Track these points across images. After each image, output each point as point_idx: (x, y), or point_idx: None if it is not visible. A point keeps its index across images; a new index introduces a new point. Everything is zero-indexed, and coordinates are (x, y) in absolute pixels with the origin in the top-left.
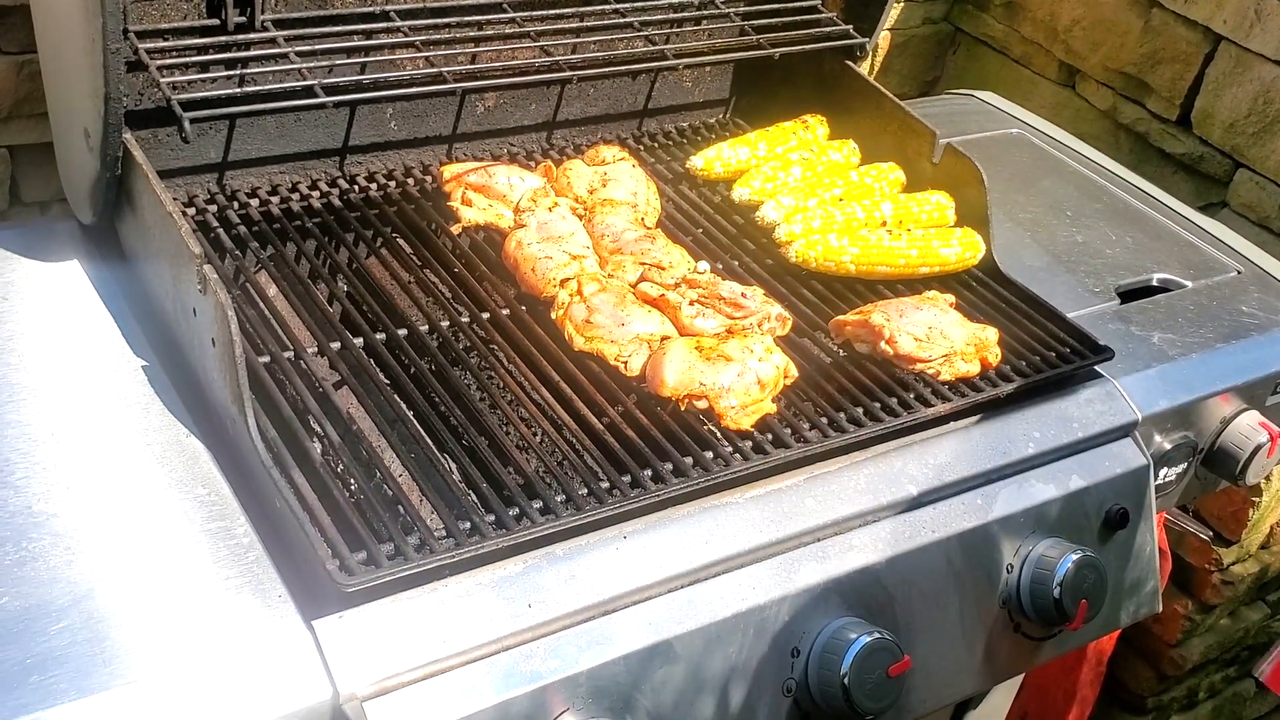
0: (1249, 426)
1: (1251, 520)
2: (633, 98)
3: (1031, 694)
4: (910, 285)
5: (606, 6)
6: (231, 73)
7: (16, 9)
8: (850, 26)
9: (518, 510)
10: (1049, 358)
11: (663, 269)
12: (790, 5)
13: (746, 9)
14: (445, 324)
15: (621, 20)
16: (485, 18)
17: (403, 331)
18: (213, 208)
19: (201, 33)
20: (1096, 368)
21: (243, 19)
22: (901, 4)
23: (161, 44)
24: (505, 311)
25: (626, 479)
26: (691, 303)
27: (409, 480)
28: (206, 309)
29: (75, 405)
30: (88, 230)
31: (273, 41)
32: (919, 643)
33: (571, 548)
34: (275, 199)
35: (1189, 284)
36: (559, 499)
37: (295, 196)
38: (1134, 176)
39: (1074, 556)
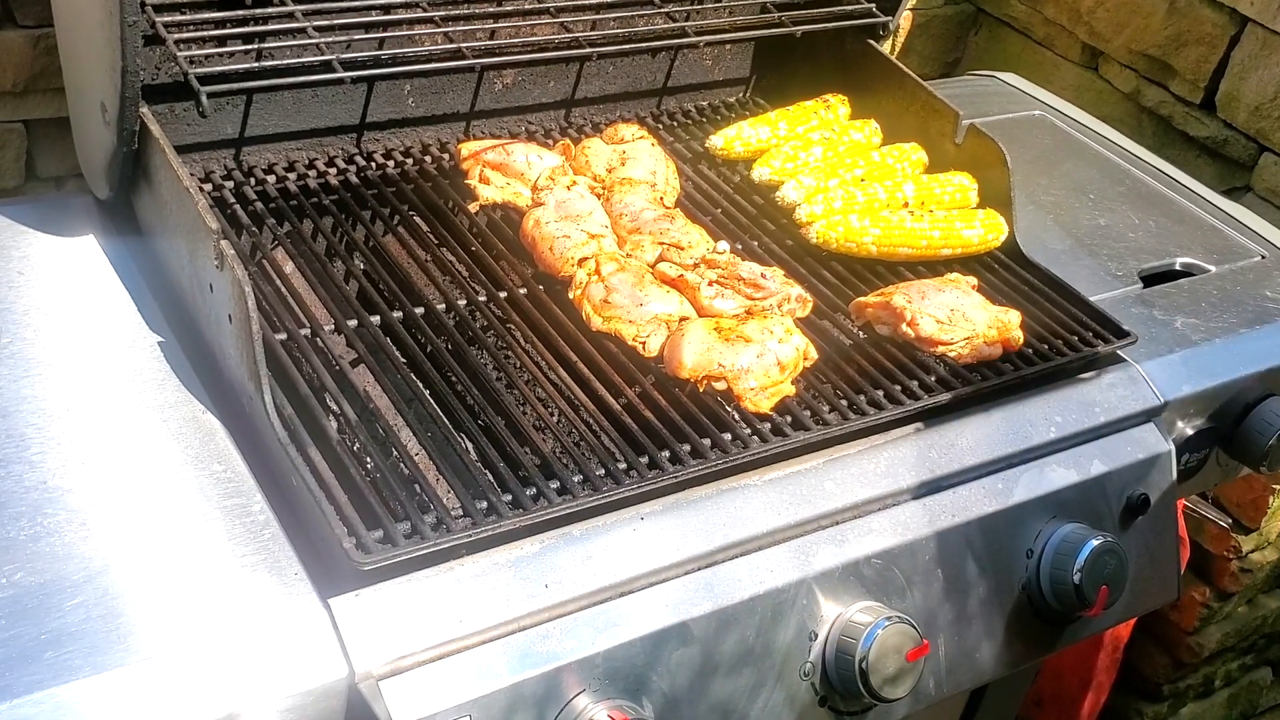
0: (1272, 413)
1: (1272, 508)
2: (652, 76)
3: (1047, 680)
4: (932, 267)
5: None
6: (249, 47)
7: None
8: (873, 5)
9: (535, 490)
10: (1071, 341)
11: (681, 249)
12: None
13: None
14: (462, 303)
15: None
16: None
17: (420, 310)
18: (229, 184)
19: (219, 6)
20: (1119, 352)
21: None
22: None
23: (179, 18)
24: (522, 290)
25: (644, 460)
26: (711, 283)
27: (425, 459)
28: (223, 285)
29: (91, 381)
30: (104, 205)
31: (291, 16)
32: (938, 627)
33: (588, 528)
34: (292, 175)
35: (1212, 268)
36: (576, 479)
37: (312, 173)
38: (1157, 160)
39: (1094, 542)
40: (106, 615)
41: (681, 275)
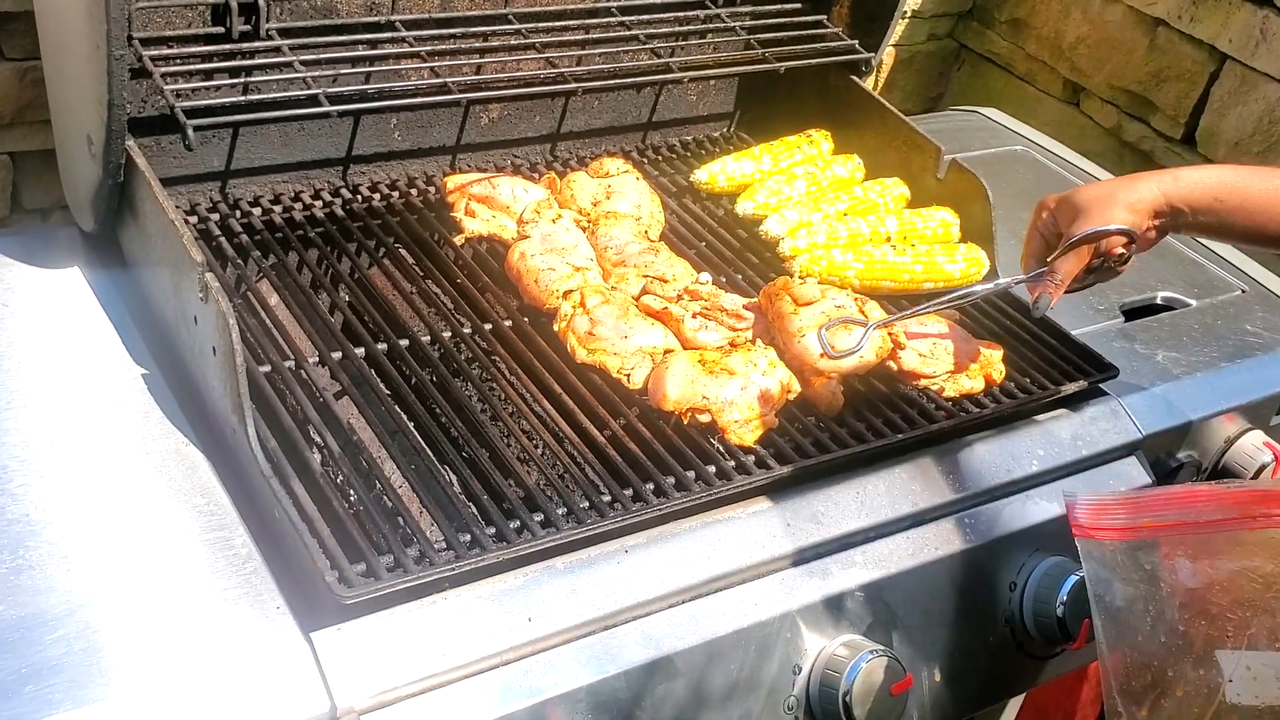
0: (1253, 446)
1: None
2: (637, 110)
3: (1031, 714)
4: (914, 300)
5: (612, 19)
6: (236, 81)
7: (19, 15)
8: (855, 41)
9: (518, 523)
10: (1053, 375)
11: (666, 281)
12: (796, 19)
13: (752, 23)
14: (447, 335)
15: (627, 33)
16: (490, 29)
17: (404, 342)
18: (215, 216)
19: (206, 41)
20: (1101, 386)
21: (248, 27)
22: (907, 20)
23: (166, 51)
24: (508, 323)
25: (628, 492)
26: (694, 315)
27: (409, 492)
28: (208, 317)
29: (74, 413)
30: (89, 237)
31: (277, 50)
32: (921, 661)
33: (572, 561)
34: (278, 208)
35: (1193, 303)
36: (560, 512)
37: (298, 206)
38: None
39: (1077, 575)
40: (88, 649)
41: (665, 308)
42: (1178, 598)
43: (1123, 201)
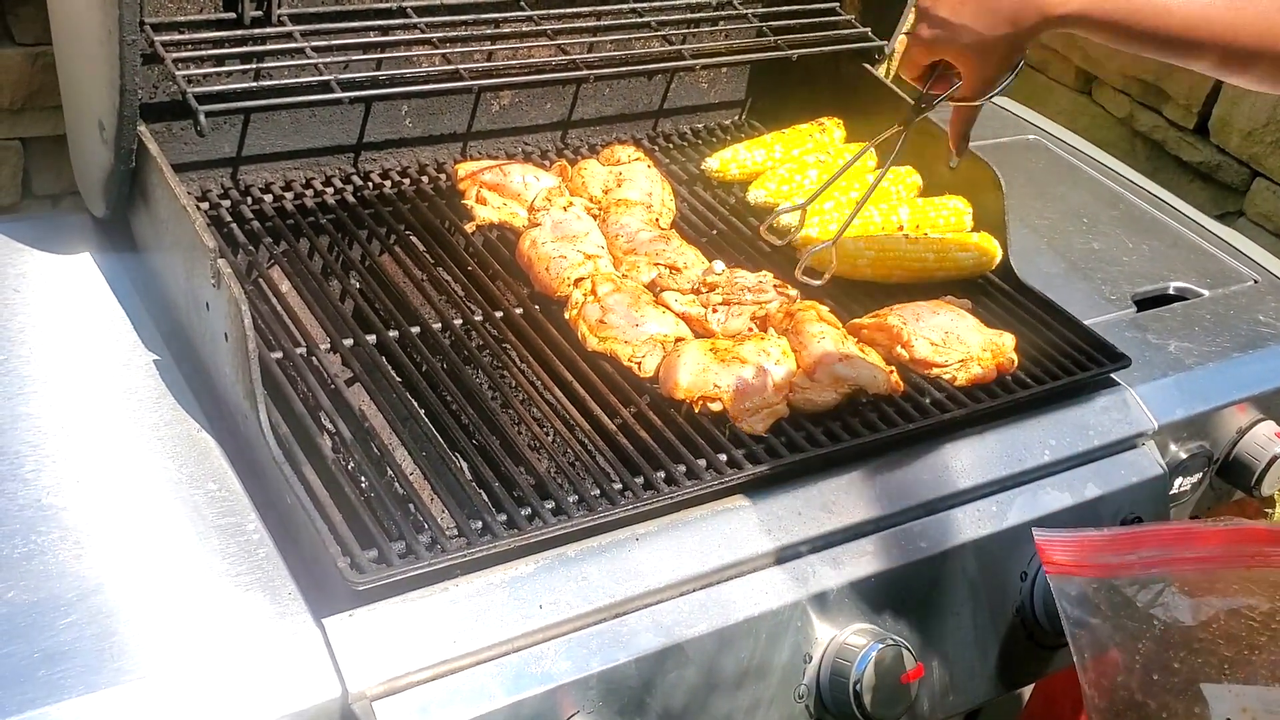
0: (1265, 437)
1: None
2: (648, 98)
3: (1039, 704)
4: (926, 290)
5: (624, 6)
6: (247, 67)
7: (30, 0)
8: (868, 29)
9: (530, 510)
10: (1065, 364)
11: (677, 270)
12: (808, 7)
13: (764, 10)
14: (458, 322)
15: (639, 20)
16: (502, 15)
17: (415, 329)
18: (226, 202)
19: (218, 26)
20: (1113, 375)
21: (259, 13)
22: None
23: (177, 37)
24: (518, 310)
25: (639, 480)
26: (714, 309)
27: (420, 478)
28: (220, 303)
29: (86, 399)
30: (100, 223)
31: (289, 36)
32: (932, 650)
33: (583, 549)
34: (289, 194)
35: (1206, 293)
36: (571, 500)
37: (309, 192)
38: (1151, 184)
39: None
40: (99, 634)
41: (686, 313)
42: (1170, 635)
43: (1010, 44)
